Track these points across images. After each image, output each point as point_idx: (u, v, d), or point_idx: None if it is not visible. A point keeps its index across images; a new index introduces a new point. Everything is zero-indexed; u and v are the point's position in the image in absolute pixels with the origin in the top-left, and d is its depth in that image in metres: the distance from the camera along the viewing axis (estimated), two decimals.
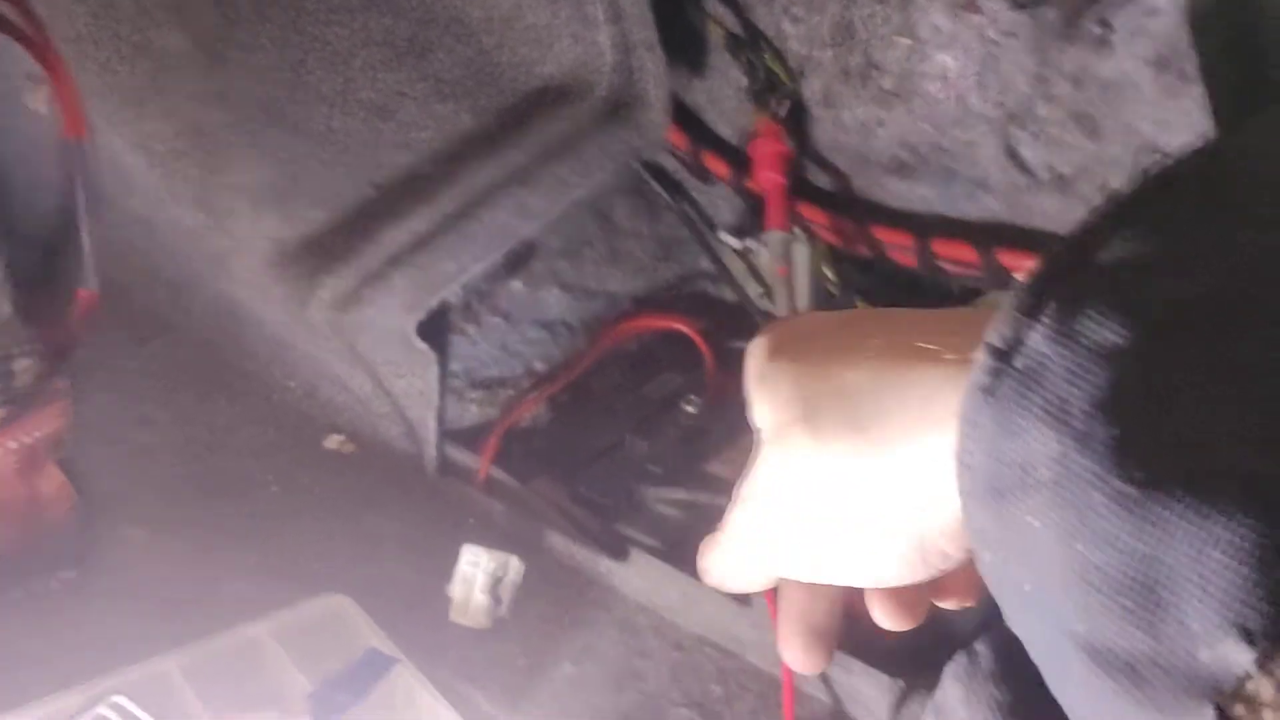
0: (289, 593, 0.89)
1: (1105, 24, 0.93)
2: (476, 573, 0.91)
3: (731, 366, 1.22)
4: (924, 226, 1.11)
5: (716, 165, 1.21)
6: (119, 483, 1.06)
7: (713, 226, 1.32)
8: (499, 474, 1.07)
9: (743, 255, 1.28)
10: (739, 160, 1.18)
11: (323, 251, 1.01)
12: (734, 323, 1.32)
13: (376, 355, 1.02)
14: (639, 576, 0.94)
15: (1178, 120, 0.93)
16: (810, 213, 1.17)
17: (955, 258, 1.08)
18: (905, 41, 1.03)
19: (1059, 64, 0.96)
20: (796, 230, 1.19)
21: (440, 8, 1.12)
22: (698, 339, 1.24)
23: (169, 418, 1.14)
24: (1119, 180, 0.98)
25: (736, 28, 1.14)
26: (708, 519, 0.98)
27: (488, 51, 1.12)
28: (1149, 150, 0.94)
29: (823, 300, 1.28)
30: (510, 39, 1.12)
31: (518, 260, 1.18)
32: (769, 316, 1.26)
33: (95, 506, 0.99)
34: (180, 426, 1.14)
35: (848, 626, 0.85)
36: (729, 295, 1.35)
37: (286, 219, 1.01)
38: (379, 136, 1.06)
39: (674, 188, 1.32)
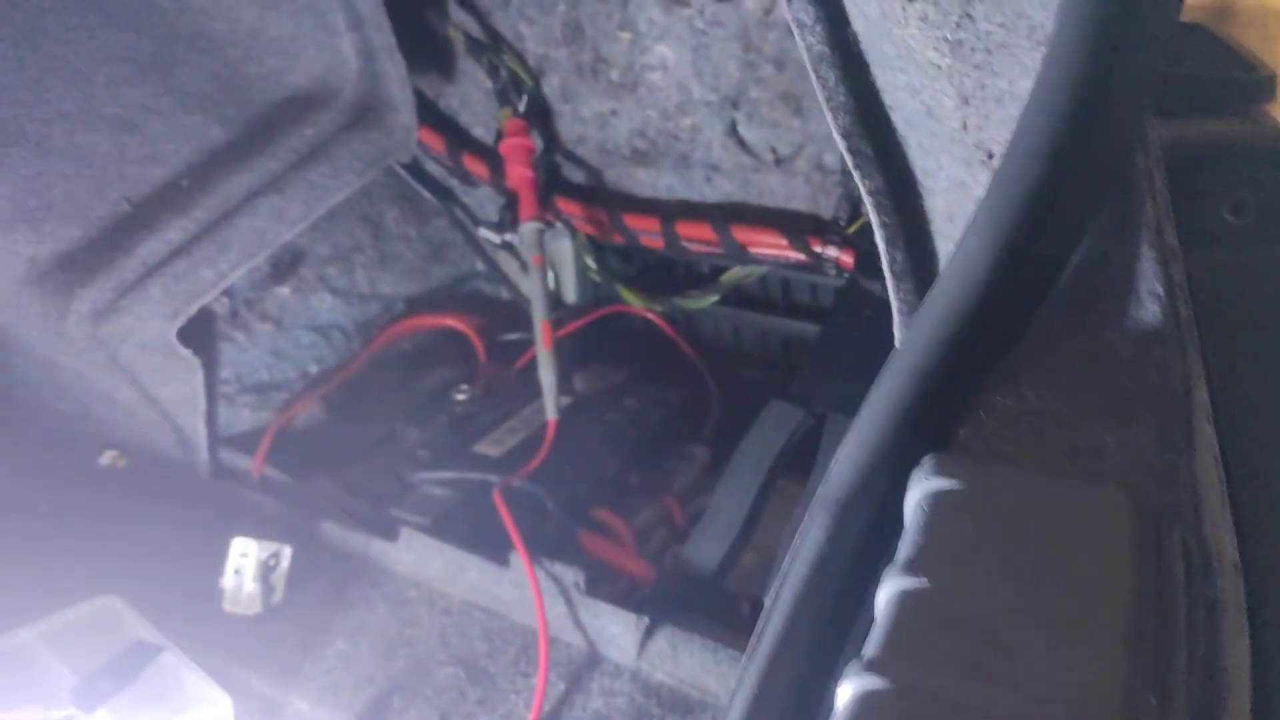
0: (58, 599, 0.90)
1: None
2: (247, 563, 0.93)
3: (503, 358, 1.28)
4: (668, 212, 1.19)
5: (476, 166, 1.26)
6: None
7: (479, 224, 1.38)
8: (273, 473, 1.10)
9: (512, 250, 1.34)
10: (496, 159, 1.23)
11: (77, 266, 1.02)
12: (508, 318, 1.38)
13: (139, 364, 1.04)
14: (408, 552, 0.98)
15: None
16: (566, 206, 1.23)
17: (697, 237, 1.16)
18: (626, 35, 1.10)
19: (761, 49, 1.05)
20: (557, 224, 1.26)
21: (184, 23, 1.14)
22: (470, 333, 1.29)
23: None
24: (831, 156, 1.08)
25: (477, 31, 1.20)
26: (474, 493, 1.04)
27: (234, 64, 1.15)
28: None
29: (588, 289, 1.36)
30: (256, 50, 1.15)
31: (285, 267, 1.21)
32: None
33: None
34: None
35: (595, 574, 0.92)
36: (503, 294, 1.41)
37: (38, 236, 1.02)
38: (125, 151, 1.07)
39: (441, 192, 1.37)
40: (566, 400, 1.16)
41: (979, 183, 0.56)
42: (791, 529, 0.92)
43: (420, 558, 0.97)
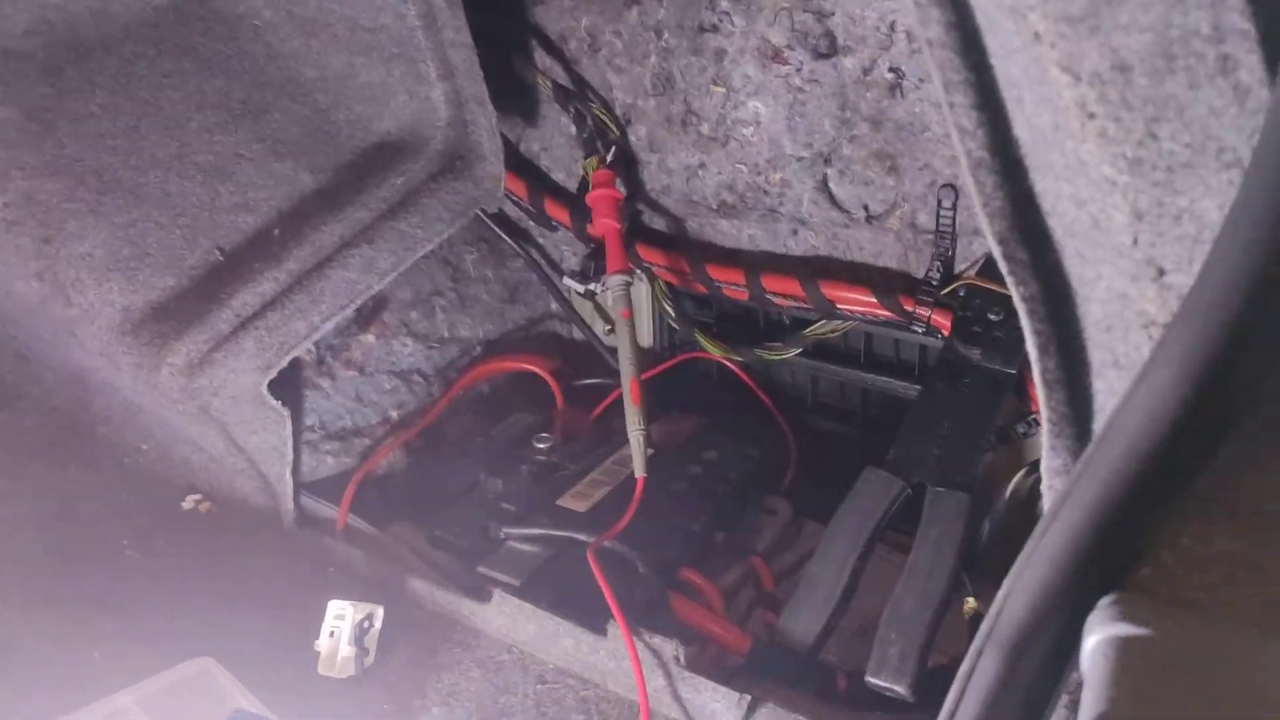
0: (154, 658, 0.90)
1: (896, 71, 1.01)
2: (343, 625, 0.93)
3: (579, 402, 1.28)
4: (753, 263, 1.18)
5: (556, 211, 1.26)
6: None
7: (558, 270, 1.37)
8: (357, 522, 1.09)
9: (592, 298, 1.33)
10: (577, 206, 1.23)
11: (171, 316, 1.02)
12: (582, 360, 1.38)
13: (229, 415, 1.04)
14: (499, 615, 0.97)
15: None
16: (648, 254, 1.23)
17: (783, 291, 1.15)
18: (720, 90, 1.10)
19: (858, 107, 1.04)
20: (636, 270, 1.25)
21: (274, 70, 1.14)
22: (547, 378, 1.29)
23: (21, 489, 1.14)
24: (925, 215, 1.07)
25: (564, 79, 1.19)
26: (563, 551, 1.03)
27: (324, 110, 1.15)
28: (944, 185, 1.03)
29: (664, 333, 1.35)
30: (345, 97, 1.15)
31: (369, 313, 1.21)
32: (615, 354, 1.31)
33: None
34: (33, 498, 1.13)
35: (696, 649, 0.91)
36: (577, 335, 1.40)
37: (132, 285, 1.02)
38: (218, 199, 1.07)
39: (519, 234, 1.37)
40: (649, 452, 1.15)
41: (1145, 298, 0.55)
42: (893, 605, 0.91)
43: (512, 621, 0.97)
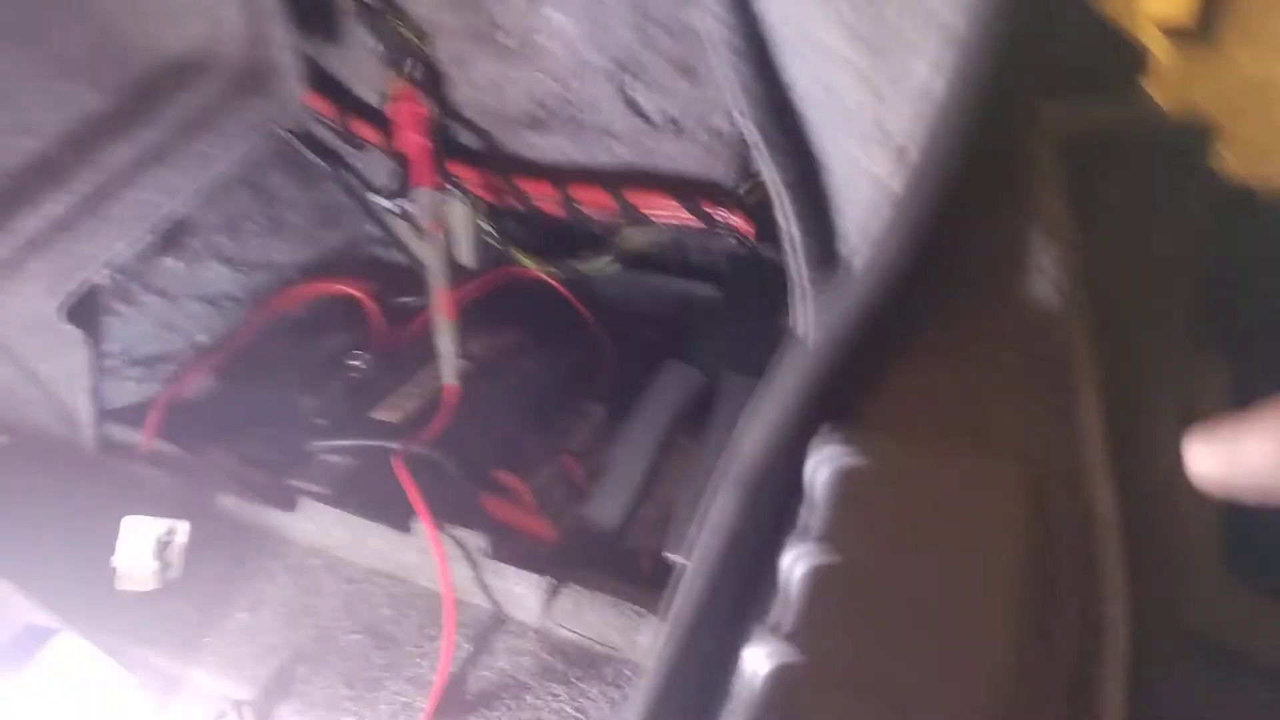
0: None
1: None
2: (141, 540, 0.92)
3: (399, 323, 1.28)
4: (563, 175, 1.19)
5: (365, 131, 1.25)
6: None
7: (375, 191, 1.36)
8: (165, 446, 1.08)
9: (406, 216, 1.33)
10: (386, 124, 1.22)
11: None
12: (404, 283, 1.37)
13: (19, 343, 1.01)
14: (308, 522, 0.98)
15: None
16: (461, 171, 1.23)
17: (592, 201, 1.16)
18: (519, 0, 1.10)
19: (655, 15, 1.06)
20: (451, 188, 1.25)
21: None
22: (363, 298, 1.29)
23: None
24: (727, 122, 1.09)
25: None
26: (374, 460, 1.04)
27: (110, 29, 1.11)
28: None
29: (483, 253, 1.35)
30: (133, 15, 1.11)
31: (172, 238, 1.19)
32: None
33: None
34: None
35: (499, 536, 0.93)
36: (397, 258, 1.40)
37: None
38: None
39: (330, 156, 1.35)
40: (463, 364, 1.16)
41: (880, 165, 0.58)
42: (690, 486, 0.94)
43: (320, 527, 0.97)
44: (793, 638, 0.43)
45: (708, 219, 1.11)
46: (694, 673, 0.48)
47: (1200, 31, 0.71)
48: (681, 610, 0.50)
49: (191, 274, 1.19)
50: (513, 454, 1.08)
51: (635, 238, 1.21)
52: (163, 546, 0.93)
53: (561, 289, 1.29)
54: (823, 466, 0.52)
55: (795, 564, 0.47)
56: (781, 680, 0.42)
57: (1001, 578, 0.45)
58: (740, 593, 0.50)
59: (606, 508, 0.95)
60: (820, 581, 0.45)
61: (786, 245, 0.67)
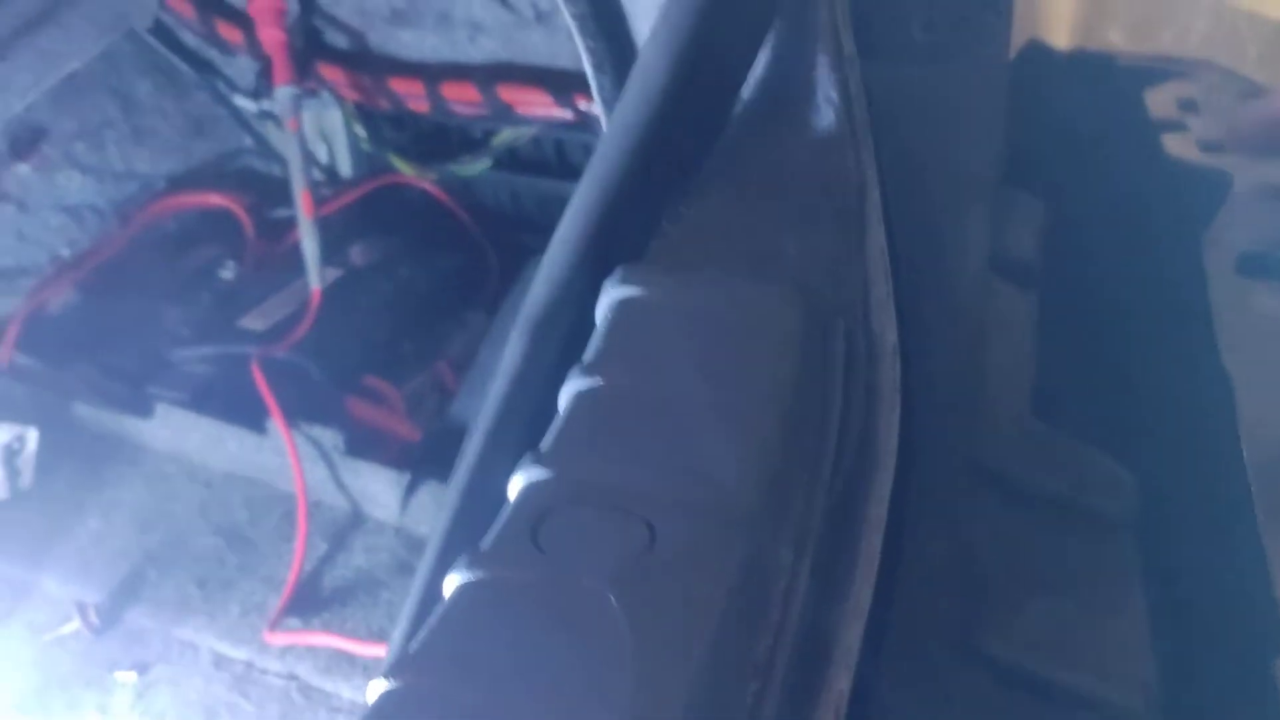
0: None
1: None
2: None
3: (274, 236, 1.24)
4: (433, 74, 1.16)
5: (230, 32, 1.20)
6: None
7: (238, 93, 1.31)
8: (25, 360, 1.04)
9: (276, 122, 1.28)
10: (250, 23, 1.17)
11: None
12: (280, 195, 1.33)
13: None
14: (164, 428, 0.95)
15: None
16: (329, 72, 1.19)
17: (462, 98, 1.13)
18: None
19: None
20: (324, 94, 1.21)
21: None
22: (237, 210, 1.25)
23: None
24: (585, 9, 1.06)
25: None
26: (237, 367, 1.01)
27: None
28: None
29: (361, 160, 1.32)
30: None
31: (25, 144, 1.14)
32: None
33: None
34: None
35: (361, 438, 0.91)
36: (275, 171, 1.36)
37: None
38: None
39: (200, 64, 1.30)
40: (338, 273, 1.13)
41: None
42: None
43: (177, 433, 0.95)
44: (542, 458, 0.42)
45: (578, 112, 1.08)
46: (479, 511, 0.47)
47: None
48: (469, 449, 0.50)
49: (48, 182, 1.14)
50: (385, 360, 1.06)
51: (510, 136, 1.18)
52: (12, 454, 0.90)
53: (440, 195, 1.26)
54: (603, 301, 0.51)
55: (563, 393, 0.46)
56: (529, 498, 0.41)
57: (766, 397, 0.44)
58: (525, 429, 0.49)
59: (471, 405, 0.93)
60: (578, 406, 0.44)
61: (595, 95, 0.65)
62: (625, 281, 0.50)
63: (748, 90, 0.55)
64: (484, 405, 0.52)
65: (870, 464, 0.46)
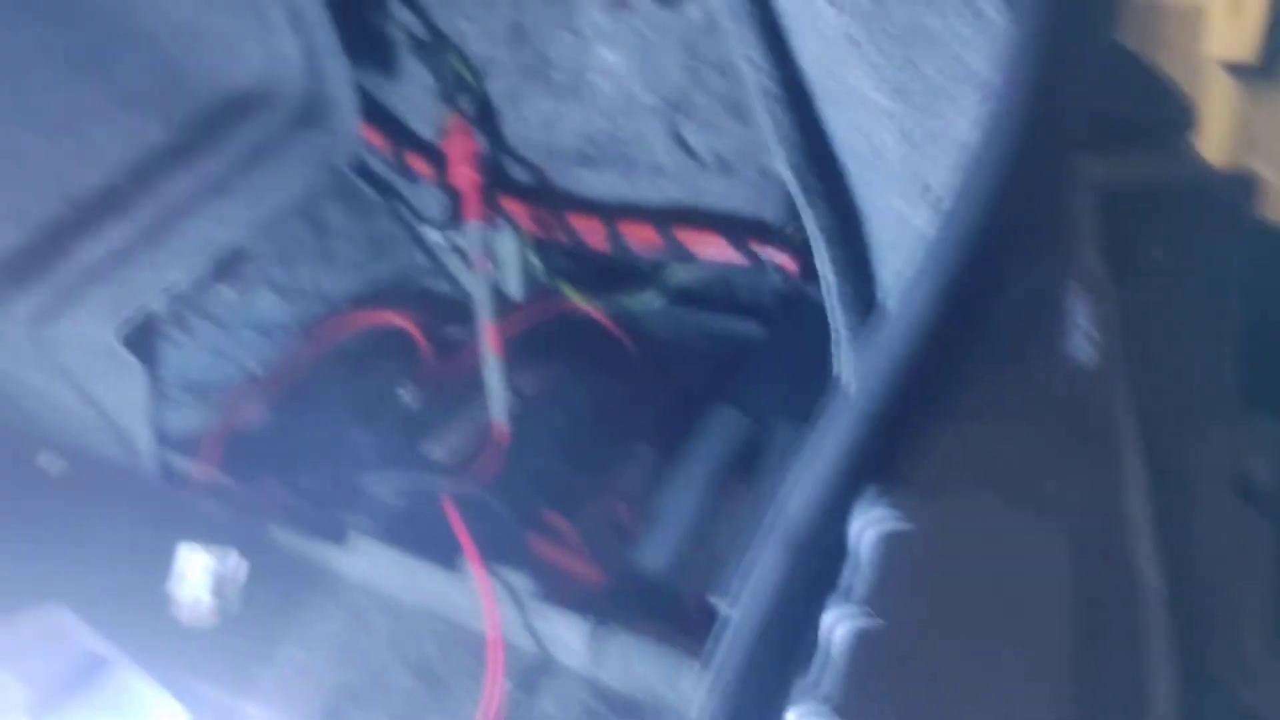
0: (4, 610, 0.90)
1: None
2: (196, 570, 0.94)
3: (447, 354, 1.29)
4: (611, 211, 1.20)
5: (419, 164, 1.26)
6: None
7: (425, 223, 1.38)
8: (219, 475, 1.09)
9: (456, 249, 1.34)
10: (439, 157, 1.23)
11: (16, 269, 1.01)
12: (452, 314, 1.38)
13: (79, 369, 1.03)
14: (359, 558, 0.99)
15: None
16: (511, 205, 1.24)
17: (640, 239, 1.17)
18: (569, 38, 1.11)
19: (706, 55, 1.06)
20: (500, 221, 1.26)
21: (118, 20, 1.12)
22: (412, 329, 1.30)
23: None
24: (771, 160, 1.09)
25: (420, 30, 1.19)
26: (423, 497, 1.05)
27: (173, 61, 1.13)
28: None
29: (531, 285, 1.36)
30: (195, 48, 1.13)
31: (227, 266, 1.20)
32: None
33: None
34: None
35: (545, 578, 0.93)
36: (445, 288, 1.41)
37: None
38: (63, 151, 1.06)
39: (383, 187, 1.37)
40: (511, 400, 1.17)
41: (920, 216, 0.59)
42: (738, 533, 0.95)
43: (371, 564, 0.98)
44: (837, 706, 0.43)
45: (754, 257, 1.11)
46: None
47: (1264, 68, 0.71)
48: (724, 667, 0.51)
49: (245, 302, 1.21)
50: (560, 493, 1.09)
51: (681, 273, 1.21)
52: (223, 583, 0.94)
53: (607, 323, 1.30)
54: (869, 530, 0.53)
55: (837, 625, 0.47)
56: None
57: (1045, 656, 0.45)
58: (782, 650, 0.51)
59: (654, 552, 0.95)
60: (862, 646, 0.46)
61: (825, 290, 0.68)
62: (889, 507, 0.52)
63: (998, 309, 0.57)
64: (737, 616, 0.54)
65: (1144, 711, 0.46)
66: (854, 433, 0.53)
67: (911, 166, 0.57)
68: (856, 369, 0.59)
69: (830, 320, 0.68)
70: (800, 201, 0.64)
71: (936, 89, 0.54)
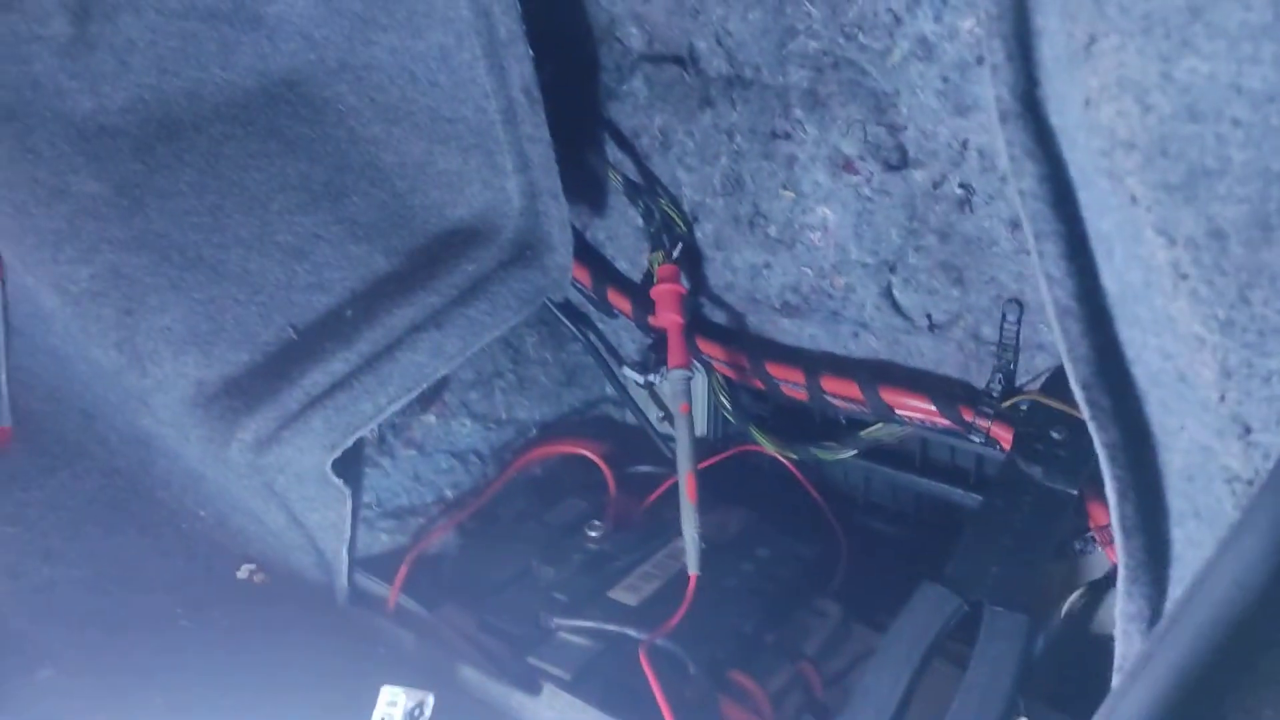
0: None
1: (967, 187, 1.02)
2: (395, 711, 0.93)
3: (632, 489, 1.28)
4: (812, 363, 1.19)
5: (619, 300, 1.28)
6: (23, 620, 1.06)
7: (615, 355, 1.39)
8: (408, 602, 1.10)
9: (650, 388, 1.34)
10: (640, 296, 1.25)
11: (243, 392, 1.05)
12: (635, 446, 1.38)
13: (292, 492, 1.05)
14: (549, 710, 0.98)
15: (1031, 273, 1.03)
16: (708, 347, 1.24)
17: (842, 394, 1.15)
18: (789, 195, 1.12)
19: (927, 219, 1.05)
20: (695, 363, 1.27)
21: (356, 154, 1.17)
22: (600, 463, 1.30)
23: (77, 551, 1.15)
24: (989, 328, 1.07)
25: (635, 174, 1.22)
26: (613, 645, 1.03)
27: (401, 195, 1.18)
28: (1009, 299, 1.04)
29: (718, 425, 1.36)
30: (422, 184, 1.18)
31: (431, 394, 1.23)
32: (670, 442, 1.32)
33: None
34: (89, 560, 1.14)
35: None
36: (631, 420, 1.41)
37: (207, 360, 1.04)
38: (294, 278, 1.10)
39: (579, 319, 1.39)
40: (704, 547, 1.15)
41: (1230, 453, 0.56)
42: (936, 717, 0.90)
43: (562, 716, 0.97)
44: None
45: (964, 423, 1.08)
46: None
47: None
48: None
49: (445, 429, 1.23)
50: (748, 652, 1.06)
51: (880, 432, 1.19)
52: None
53: (797, 474, 1.28)
54: None
55: None
56: None
57: None
58: None
59: None
60: None
61: (1115, 522, 0.64)
62: None
63: None
64: None
65: None
66: (1162, 697, 0.50)
67: (1230, 403, 0.54)
68: (1161, 629, 0.56)
69: (1119, 551, 0.65)
70: (1088, 419, 0.62)
71: (1271, 328, 0.51)
